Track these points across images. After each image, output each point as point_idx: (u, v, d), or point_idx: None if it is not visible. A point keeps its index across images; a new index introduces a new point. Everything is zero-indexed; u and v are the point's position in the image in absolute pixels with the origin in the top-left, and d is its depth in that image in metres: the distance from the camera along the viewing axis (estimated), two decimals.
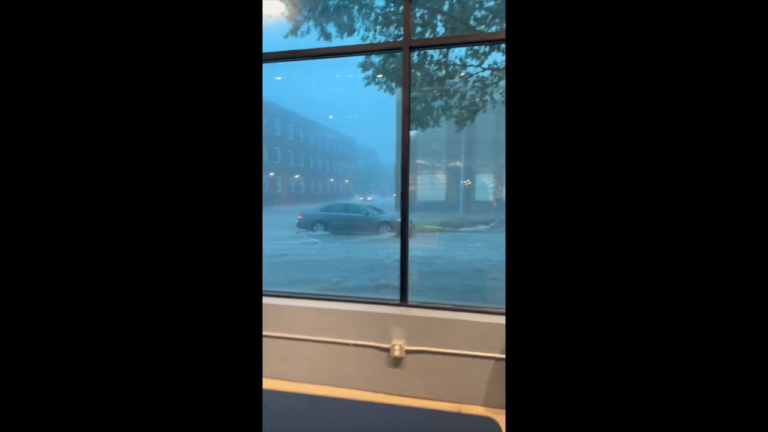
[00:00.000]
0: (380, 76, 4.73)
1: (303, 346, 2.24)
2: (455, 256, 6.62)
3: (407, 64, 2.21)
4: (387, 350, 2.12)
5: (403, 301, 2.23)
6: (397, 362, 2.11)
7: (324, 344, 2.21)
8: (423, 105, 4.73)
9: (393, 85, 4.68)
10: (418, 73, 4.75)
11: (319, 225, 7.54)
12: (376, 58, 4.43)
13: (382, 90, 4.88)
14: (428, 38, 3.37)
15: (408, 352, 2.09)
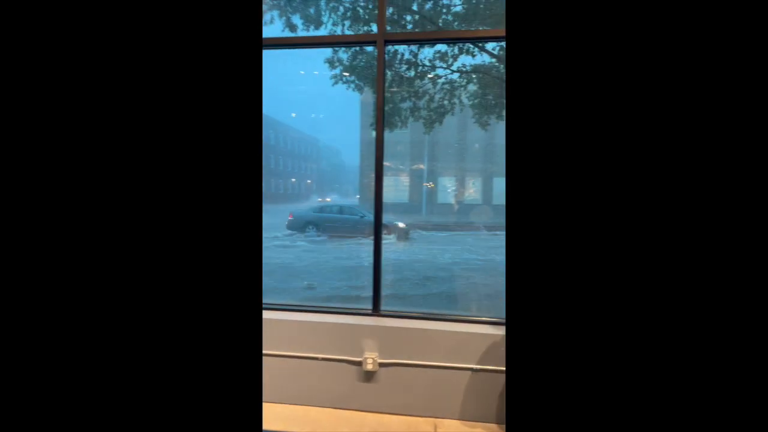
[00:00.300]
0: (347, 74, 4.58)
1: (265, 361, 2.05)
2: (433, 259, 6.53)
3: (382, 59, 2.08)
4: (359, 364, 1.98)
5: (376, 310, 2.10)
6: (369, 376, 1.98)
7: (289, 359, 2.03)
8: (391, 106, 4.64)
9: (362, 83, 4.55)
10: (388, 73, 4.65)
11: (311, 227, 7.16)
12: (344, 55, 4.28)
13: (351, 89, 4.73)
14: (404, 32, 3.27)
15: (381, 365, 1.96)
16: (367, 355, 1.96)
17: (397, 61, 4.56)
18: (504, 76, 4.49)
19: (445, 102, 4.52)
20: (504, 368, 1.87)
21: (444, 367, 1.92)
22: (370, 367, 1.94)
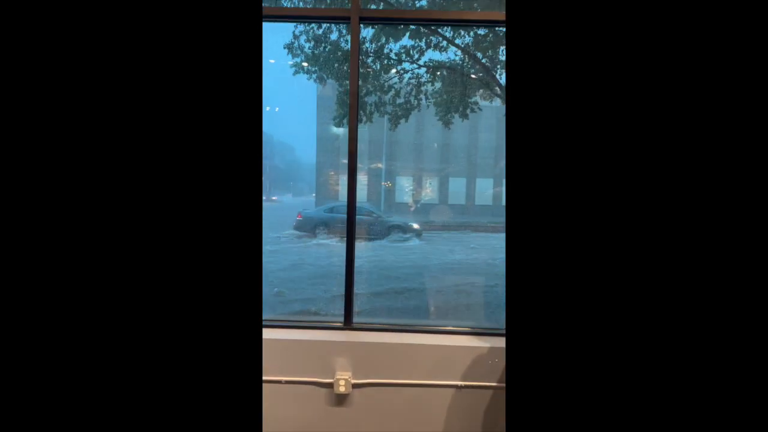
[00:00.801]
0: (305, 65, 4.27)
1: None
2: (423, 261, 6.29)
3: (356, 38, 1.85)
4: (329, 386, 1.74)
5: (348, 323, 1.87)
6: (341, 400, 1.74)
7: None
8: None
9: (325, 75, 4.26)
10: (345, 67, 4.39)
11: (322, 228, 6.76)
12: (306, 44, 3.98)
13: (312, 80, 4.42)
14: (381, 9, 3.04)
15: (355, 386, 1.73)
16: (339, 375, 1.72)
17: (361, 52, 4.32)
18: (469, 73, 4.40)
19: (411, 98, 4.35)
20: (491, 384, 1.71)
21: (425, 385, 1.72)
22: (342, 389, 1.70)
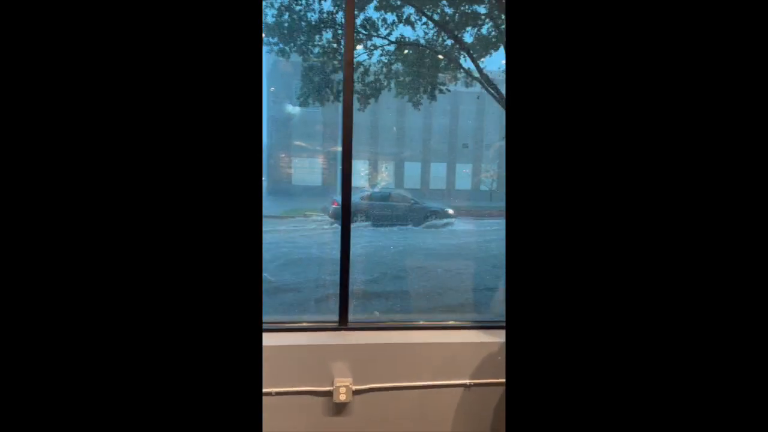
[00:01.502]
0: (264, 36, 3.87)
1: None
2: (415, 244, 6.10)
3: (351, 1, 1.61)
4: (328, 394, 1.55)
5: (343, 323, 1.68)
6: (341, 409, 1.57)
7: None
8: (321, 77, 4.08)
9: (288, 48, 3.89)
10: (311, 46, 4.05)
11: (360, 215, 6.76)
12: (269, 10, 3.58)
13: (272, 53, 4.03)
14: None
15: (355, 392, 1.56)
16: (338, 382, 1.54)
17: (333, 25, 4.00)
18: (442, 52, 4.25)
19: (381, 76, 4.12)
20: (500, 380, 1.63)
21: (431, 387, 1.60)
22: (343, 397, 1.53)
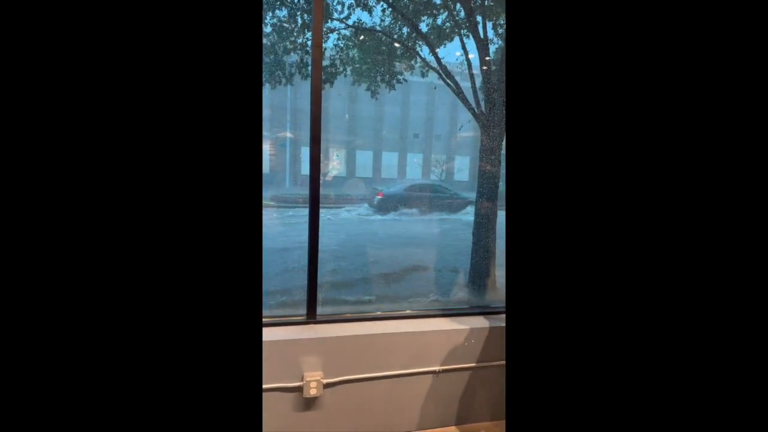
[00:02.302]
0: None
1: None
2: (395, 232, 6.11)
3: None
4: (298, 390, 1.50)
5: (311, 316, 1.63)
6: (311, 403, 1.53)
7: None
8: (273, 57, 3.87)
9: None
10: (267, 16, 3.82)
11: (402, 205, 7.21)
12: None
13: None
14: None
15: (326, 385, 1.53)
16: (308, 376, 1.49)
17: (285, 5, 3.80)
18: (399, 40, 4.21)
19: (337, 61, 4.00)
20: (469, 365, 1.68)
21: (401, 375, 1.61)
22: (313, 391, 1.49)
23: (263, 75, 3.95)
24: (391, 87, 4.36)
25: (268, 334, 1.51)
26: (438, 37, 3.97)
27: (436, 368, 1.65)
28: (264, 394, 1.47)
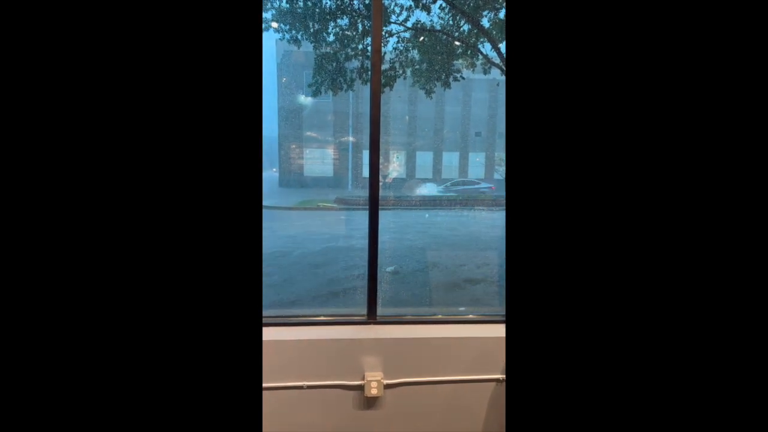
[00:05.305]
0: (274, 25, 3.81)
1: None
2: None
3: None
4: (359, 388, 1.54)
5: (371, 316, 1.66)
6: (371, 402, 1.55)
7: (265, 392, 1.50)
8: (335, 65, 4.01)
9: (300, 35, 3.82)
10: (325, 33, 3.96)
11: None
12: None
13: (284, 41, 3.96)
14: None
15: (387, 386, 1.55)
16: (369, 376, 1.52)
17: (348, 12, 3.91)
18: (459, 38, 4.14)
19: (397, 64, 4.03)
20: None
21: (465, 381, 1.58)
22: (374, 391, 1.51)
23: (326, 83, 4.12)
24: (447, 85, 4.28)
25: (330, 332, 1.56)
26: (501, 32, 3.83)
27: (500, 376, 1.58)
28: (325, 390, 1.53)
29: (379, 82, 1.58)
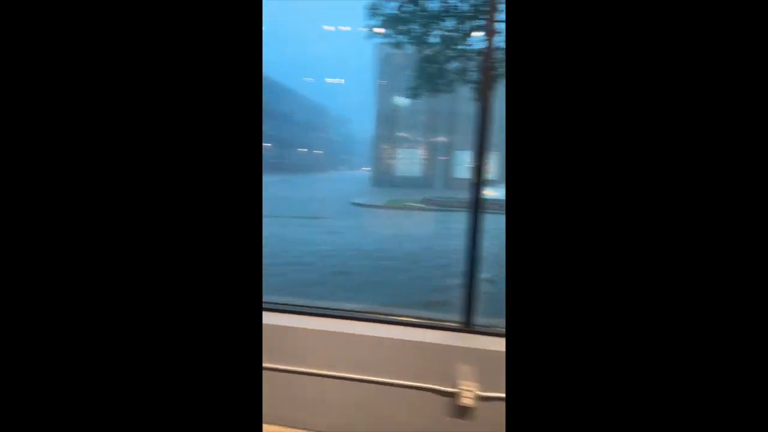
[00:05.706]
0: (380, 31, 3.91)
1: (317, 383, 1.58)
2: None
3: None
4: (451, 395, 1.52)
5: (468, 324, 1.62)
6: (464, 412, 1.52)
7: (350, 382, 1.56)
8: (436, 67, 4.00)
9: (404, 40, 3.89)
10: (433, 36, 3.97)
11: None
12: (387, 2, 3.62)
13: (385, 44, 4.07)
14: None
15: (482, 398, 1.50)
16: (463, 385, 1.49)
17: (442, 13, 3.88)
18: None
19: (498, 65, 3.87)
20: None
21: None
22: (468, 401, 1.48)
23: (426, 86, 4.14)
24: None
25: (424, 336, 1.57)
26: None
27: None
28: (416, 392, 1.53)
29: (488, 81, 1.53)
